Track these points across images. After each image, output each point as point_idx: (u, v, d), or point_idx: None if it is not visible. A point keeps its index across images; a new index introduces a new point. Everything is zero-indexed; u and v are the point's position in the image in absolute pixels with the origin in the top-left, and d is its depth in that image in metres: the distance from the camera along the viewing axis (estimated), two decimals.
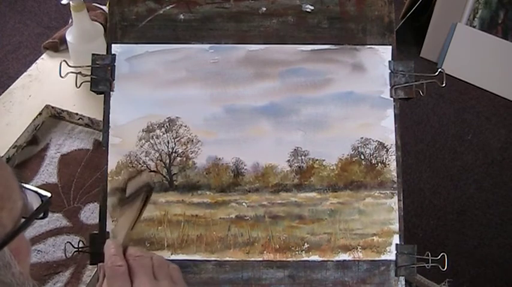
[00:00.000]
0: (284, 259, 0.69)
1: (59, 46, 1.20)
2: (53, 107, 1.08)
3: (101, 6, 1.27)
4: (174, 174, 0.70)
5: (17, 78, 1.15)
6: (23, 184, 0.40)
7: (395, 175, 0.71)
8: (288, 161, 0.71)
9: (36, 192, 0.43)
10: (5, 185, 0.36)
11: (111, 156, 0.70)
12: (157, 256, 0.58)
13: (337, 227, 0.69)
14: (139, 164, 0.70)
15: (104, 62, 0.72)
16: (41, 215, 0.42)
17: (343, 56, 0.73)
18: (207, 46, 0.73)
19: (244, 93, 0.72)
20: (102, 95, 0.71)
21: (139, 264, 0.55)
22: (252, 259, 0.69)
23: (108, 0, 0.79)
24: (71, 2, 1.03)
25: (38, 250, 0.88)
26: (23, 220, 0.38)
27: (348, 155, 0.71)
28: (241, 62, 0.73)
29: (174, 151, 0.70)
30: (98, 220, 0.68)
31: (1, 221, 0.35)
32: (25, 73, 1.15)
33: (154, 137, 0.71)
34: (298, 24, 0.74)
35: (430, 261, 0.68)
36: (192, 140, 0.71)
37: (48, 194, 0.43)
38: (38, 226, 0.91)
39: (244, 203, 0.70)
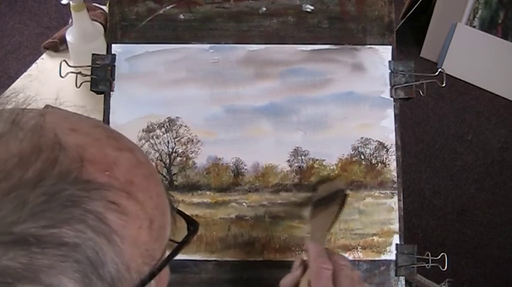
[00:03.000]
0: (284, 259, 0.69)
1: (59, 46, 1.20)
2: (52, 107, 1.08)
3: (101, 6, 1.27)
4: (174, 174, 0.70)
5: (17, 78, 1.15)
6: (176, 208, 0.38)
7: (395, 175, 0.71)
8: (288, 161, 0.71)
9: (183, 217, 0.39)
10: (163, 214, 0.35)
11: None
12: (357, 272, 0.58)
13: (337, 227, 0.69)
14: None
15: (104, 62, 0.72)
16: None
17: (343, 56, 0.73)
18: (207, 46, 0.73)
19: (244, 93, 0.72)
20: (102, 95, 0.71)
21: (344, 274, 0.55)
22: (252, 259, 0.69)
23: (108, 0, 0.79)
24: (71, 2, 1.03)
25: None
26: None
27: (348, 155, 0.71)
28: (241, 62, 0.73)
29: (174, 150, 0.70)
30: None
31: (154, 253, 0.33)
32: (25, 73, 1.16)
33: (154, 137, 0.71)
34: (298, 24, 0.74)
35: (430, 261, 0.68)
36: (192, 140, 0.71)
37: (197, 222, 0.39)
38: None
39: (244, 203, 0.70)
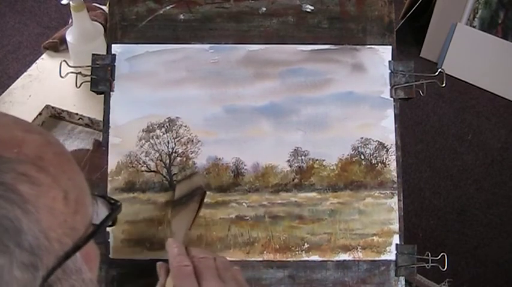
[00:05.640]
0: (284, 259, 0.69)
1: (59, 46, 1.20)
2: (53, 107, 1.08)
3: (101, 6, 1.28)
4: (174, 174, 0.70)
5: (17, 78, 1.15)
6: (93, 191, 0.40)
7: (395, 175, 0.71)
8: (288, 161, 0.71)
9: (105, 199, 0.42)
10: (80, 189, 0.36)
11: (111, 156, 0.70)
12: (221, 258, 0.59)
13: (337, 227, 0.69)
14: (140, 164, 0.70)
15: (104, 62, 0.72)
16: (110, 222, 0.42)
17: (343, 56, 0.73)
18: (207, 46, 0.73)
19: (244, 93, 0.72)
20: (102, 95, 0.71)
21: (205, 265, 0.55)
22: (252, 259, 0.69)
23: (108, 0, 0.79)
24: (71, 2, 1.03)
25: None
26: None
27: (348, 155, 0.71)
28: (241, 62, 0.73)
29: (174, 151, 0.70)
30: None
31: (75, 225, 0.35)
32: (25, 73, 1.16)
33: (154, 137, 0.71)
34: (298, 24, 0.74)
35: (430, 261, 0.68)
36: (192, 140, 0.71)
37: (117, 201, 0.42)
38: None
39: (244, 203, 0.70)
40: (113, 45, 0.72)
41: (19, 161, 0.32)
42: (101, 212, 0.41)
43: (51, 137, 0.38)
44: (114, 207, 0.42)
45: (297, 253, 0.69)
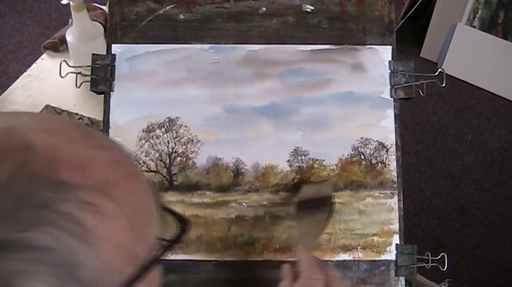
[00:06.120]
0: (284, 259, 0.69)
1: (59, 46, 1.20)
2: (53, 107, 1.08)
3: (101, 6, 1.27)
4: (174, 174, 0.70)
5: (17, 78, 1.15)
6: (165, 207, 0.37)
7: (395, 175, 0.71)
8: (288, 161, 0.71)
9: (174, 215, 0.38)
10: (146, 211, 0.34)
11: None
12: (347, 282, 0.59)
13: (337, 227, 0.69)
14: (140, 164, 0.70)
15: (104, 62, 0.71)
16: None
17: (343, 56, 0.73)
18: (207, 46, 0.73)
19: (244, 93, 0.72)
20: (102, 95, 0.71)
21: (336, 285, 0.55)
22: (252, 259, 0.69)
23: (108, 0, 0.79)
24: (71, 2, 1.03)
25: None
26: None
27: (348, 155, 0.71)
28: (241, 62, 0.73)
29: (174, 151, 0.70)
30: None
31: (137, 253, 0.32)
32: (25, 73, 1.16)
33: (154, 137, 0.71)
34: (298, 24, 0.74)
35: (430, 261, 0.68)
36: (192, 140, 0.71)
37: (188, 220, 0.38)
38: None
39: (244, 203, 0.70)
40: (113, 45, 0.72)
41: (83, 187, 0.29)
42: (167, 228, 0.37)
43: (120, 152, 0.34)
44: (183, 225, 0.38)
45: (297, 253, 0.69)
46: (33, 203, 0.27)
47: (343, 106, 0.72)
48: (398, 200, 0.70)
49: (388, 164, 0.71)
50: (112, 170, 0.32)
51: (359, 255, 0.69)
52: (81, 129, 0.34)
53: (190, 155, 0.70)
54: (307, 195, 0.67)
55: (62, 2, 1.08)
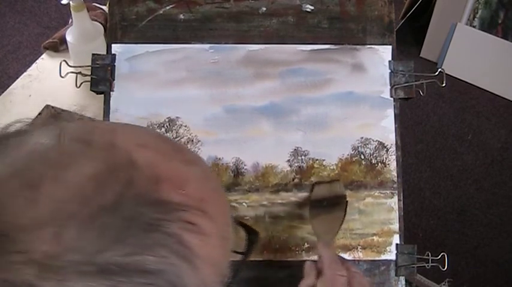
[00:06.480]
0: (284, 259, 0.69)
1: (59, 46, 1.20)
2: (53, 107, 1.08)
3: (101, 6, 1.27)
4: None
5: (17, 78, 1.15)
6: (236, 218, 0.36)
7: (395, 174, 0.71)
8: (288, 161, 0.71)
9: (244, 227, 0.38)
10: (229, 225, 0.33)
11: None
12: (368, 278, 0.59)
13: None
14: None
15: (104, 62, 0.71)
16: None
17: (343, 56, 0.73)
18: (207, 46, 0.73)
19: (244, 93, 0.72)
20: (102, 95, 0.71)
21: (357, 281, 0.55)
22: (252, 259, 0.69)
23: (108, 0, 0.79)
24: (71, 2, 1.03)
25: None
26: None
27: (348, 155, 0.71)
28: (241, 62, 0.73)
29: None
30: None
31: (224, 270, 0.31)
32: (25, 73, 1.16)
33: None
34: (298, 24, 0.74)
35: (430, 261, 0.68)
36: (192, 140, 0.71)
37: (257, 231, 0.38)
38: None
39: (244, 203, 0.70)
40: (113, 45, 0.72)
41: (185, 207, 0.28)
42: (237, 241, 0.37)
43: (206, 166, 0.34)
44: (252, 236, 0.37)
45: (297, 253, 0.69)
46: (141, 225, 0.26)
47: (343, 106, 0.72)
48: (399, 200, 0.70)
49: (388, 164, 0.71)
50: (204, 187, 0.31)
51: (359, 255, 0.69)
52: (170, 143, 0.33)
53: None
54: (321, 194, 0.68)
55: (62, 2, 1.08)
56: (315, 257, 0.69)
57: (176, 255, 0.27)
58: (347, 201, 0.65)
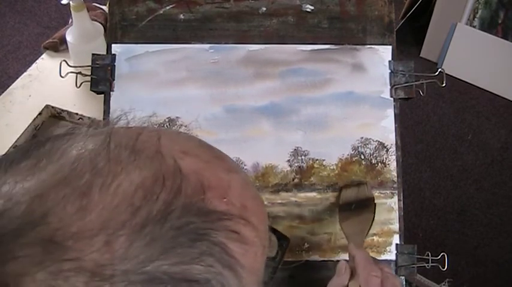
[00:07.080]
0: (284, 259, 0.69)
1: (59, 46, 1.20)
2: (53, 107, 1.08)
3: (101, 6, 1.27)
4: None
5: (17, 78, 1.15)
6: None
7: (395, 174, 0.71)
8: (288, 161, 0.71)
9: (274, 232, 0.37)
10: (267, 234, 0.33)
11: None
12: (399, 279, 0.59)
13: (337, 227, 0.69)
14: None
15: (104, 62, 0.72)
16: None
17: (343, 56, 0.73)
18: (207, 46, 0.73)
19: (244, 93, 0.72)
20: (102, 95, 0.71)
21: (391, 282, 0.55)
22: None
23: (108, 0, 0.79)
24: (71, 2, 1.03)
25: None
26: None
27: (348, 155, 0.71)
28: (241, 62, 0.73)
29: None
30: None
31: (261, 278, 0.31)
32: (25, 73, 1.16)
33: None
34: (298, 24, 0.74)
35: (430, 261, 0.68)
36: None
37: (288, 237, 0.37)
38: None
39: None
40: (112, 45, 0.72)
41: (228, 215, 0.28)
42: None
43: (245, 174, 0.34)
44: (283, 242, 0.37)
45: (297, 253, 0.69)
46: (189, 235, 0.26)
47: (343, 106, 0.72)
48: (399, 200, 0.70)
49: (388, 164, 0.71)
50: (245, 195, 0.31)
51: None
52: (211, 150, 0.33)
53: None
54: (349, 198, 0.68)
55: (62, 2, 1.08)
56: (314, 258, 0.69)
57: (222, 264, 0.27)
58: (375, 203, 0.67)
